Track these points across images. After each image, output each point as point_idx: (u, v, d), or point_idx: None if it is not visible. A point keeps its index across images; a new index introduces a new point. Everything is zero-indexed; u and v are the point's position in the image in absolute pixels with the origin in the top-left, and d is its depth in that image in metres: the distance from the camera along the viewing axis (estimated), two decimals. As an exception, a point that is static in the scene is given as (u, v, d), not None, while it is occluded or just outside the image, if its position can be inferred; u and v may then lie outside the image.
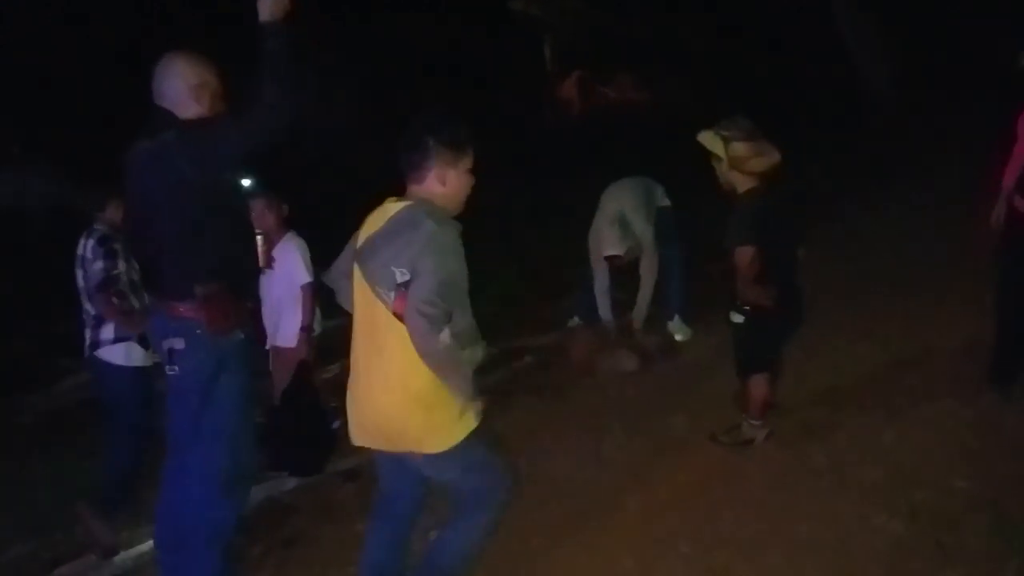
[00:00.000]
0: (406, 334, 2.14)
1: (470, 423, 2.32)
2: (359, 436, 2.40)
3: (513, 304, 6.67)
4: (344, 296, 2.47)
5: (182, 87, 2.58)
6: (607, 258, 4.79)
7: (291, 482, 3.86)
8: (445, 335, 2.13)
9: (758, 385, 3.37)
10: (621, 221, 4.70)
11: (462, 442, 2.29)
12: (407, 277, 2.14)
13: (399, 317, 2.16)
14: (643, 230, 4.76)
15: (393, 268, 2.17)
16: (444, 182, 2.30)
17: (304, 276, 4.19)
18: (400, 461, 2.39)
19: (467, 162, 2.35)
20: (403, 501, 2.54)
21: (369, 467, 4.05)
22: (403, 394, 2.23)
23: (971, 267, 4.95)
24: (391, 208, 2.30)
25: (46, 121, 8.56)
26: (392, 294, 2.17)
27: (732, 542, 2.84)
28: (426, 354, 2.15)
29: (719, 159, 3.27)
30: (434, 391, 2.22)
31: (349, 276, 2.38)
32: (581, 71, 14.25)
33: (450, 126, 2.32)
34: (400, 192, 2.37)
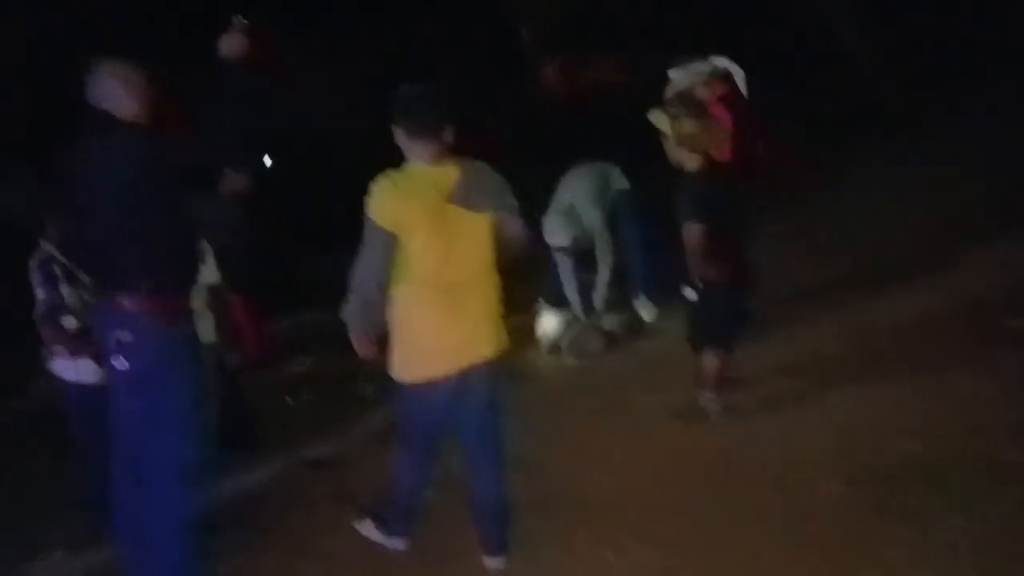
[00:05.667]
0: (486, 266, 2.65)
1: None
2: (456, 360, 2.63)
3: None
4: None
5: (118, 87, 2.66)
6: (555, 248, 4.91)
7: (260, 473, 3.89)
8: None
9: (712, 359, 3.45)
10: (568, 211, 4.83)
11: None
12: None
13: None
14: (592, 218, 4.85)
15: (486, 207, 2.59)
16: (450, 138, 2.62)
17: None
18: (467, 385, 2.66)
19: None
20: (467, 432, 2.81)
21: (339, 454, 4.15)
22: (493, 310, 2.70)
23: (933, 240, 5.07)
24: (451, 167, 2.59)
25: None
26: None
27: (684, 510, 2.93)
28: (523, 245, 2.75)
29: (667, 137, 3.33)
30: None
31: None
32: (562, 57, 14.20)
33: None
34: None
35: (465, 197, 2.56)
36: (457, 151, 2.63)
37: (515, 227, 2.72)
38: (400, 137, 2.57)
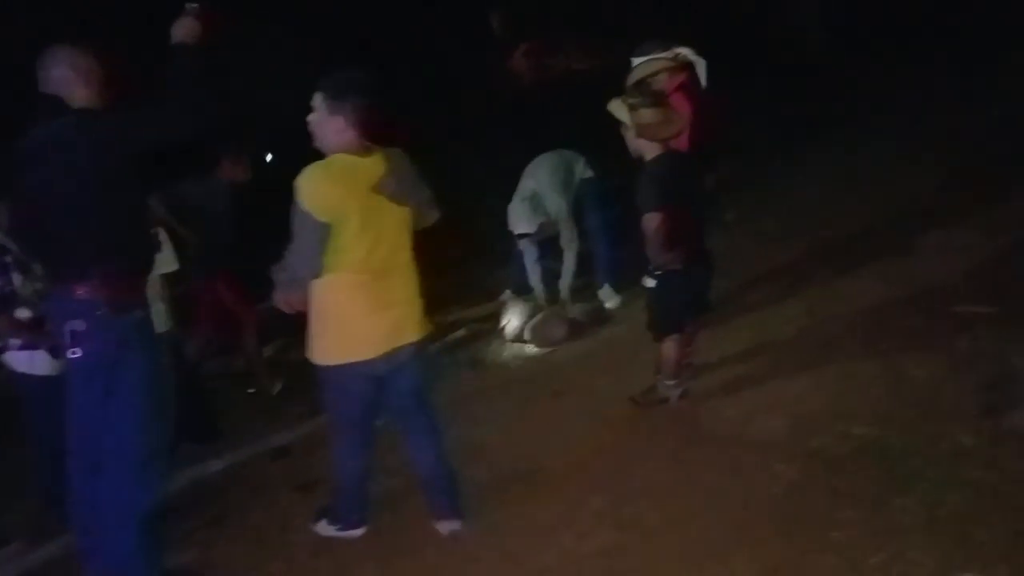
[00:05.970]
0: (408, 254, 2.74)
1: None
2: (384, 343, 2.68)
3: (454, 275, 6.69)
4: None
5: (68, 73, 2.61)
6: (520, 235, 4.92)
7: (220, 462, 3.87)
8: None
9: (670, 346, 3.48)
10: (532, 199, 4.85)
11: None
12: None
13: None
14: (557, 206, 4.87)
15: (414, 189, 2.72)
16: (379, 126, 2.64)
17: None
18: (397, 366, 2.74)
19: None
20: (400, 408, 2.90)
21: (300, 443, 4.14)
22: (416, 296, 2.78)
23: (888, 226, 5.17)
24: (378, 157, 2.61)
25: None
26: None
27: (642, 493, 2.97)
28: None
29: (627, 127, 3.35)
30: None
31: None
32: (529, 42, 14.13)
33: None
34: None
35: (392, 188, 2.60)
36: (376, 139, 2.64)
37: (433, 219, 2.83)
38: (330, 122, 2.54)
